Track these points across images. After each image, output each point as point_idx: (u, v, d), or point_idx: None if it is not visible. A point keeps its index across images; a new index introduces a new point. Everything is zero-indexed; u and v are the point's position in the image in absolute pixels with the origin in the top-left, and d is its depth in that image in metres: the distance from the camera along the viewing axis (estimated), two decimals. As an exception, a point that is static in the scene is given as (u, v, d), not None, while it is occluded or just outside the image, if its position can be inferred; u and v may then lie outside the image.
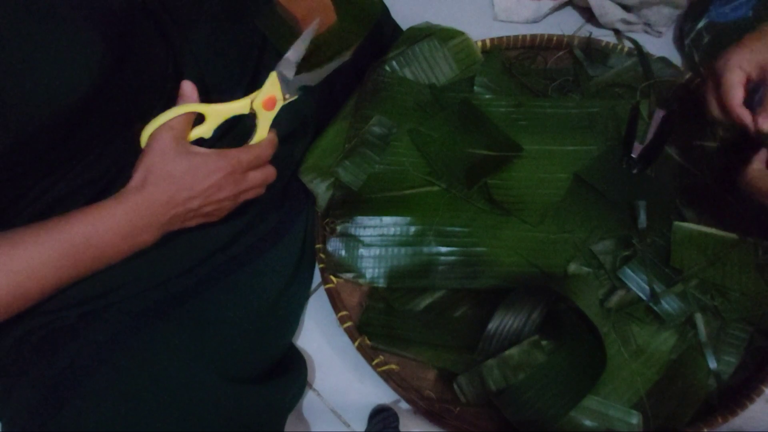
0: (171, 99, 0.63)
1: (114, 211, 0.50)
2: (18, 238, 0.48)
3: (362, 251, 0.73)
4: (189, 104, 0.54)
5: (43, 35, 0.48)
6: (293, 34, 0.61)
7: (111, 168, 0.60)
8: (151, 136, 0.53)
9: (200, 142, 0.56)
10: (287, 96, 0.56)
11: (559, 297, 0.66)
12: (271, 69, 0.56)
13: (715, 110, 0.65)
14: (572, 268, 0.70)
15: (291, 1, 0.59)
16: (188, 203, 0.53)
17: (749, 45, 0.62)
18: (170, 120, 0.52)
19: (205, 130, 0.55)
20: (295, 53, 0.55)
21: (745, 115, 0.61)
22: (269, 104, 0.55)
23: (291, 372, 0.67)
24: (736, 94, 0.62)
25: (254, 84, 0.73)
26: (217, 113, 0.55)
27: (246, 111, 0.55)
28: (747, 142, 0.63)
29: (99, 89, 0.52)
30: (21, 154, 0.50)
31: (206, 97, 0.70)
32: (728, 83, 0.62)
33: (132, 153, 0.60)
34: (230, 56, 0.72)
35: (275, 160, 0.60)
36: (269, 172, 0.59)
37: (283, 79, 0.55)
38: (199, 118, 0.55)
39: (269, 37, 0.69)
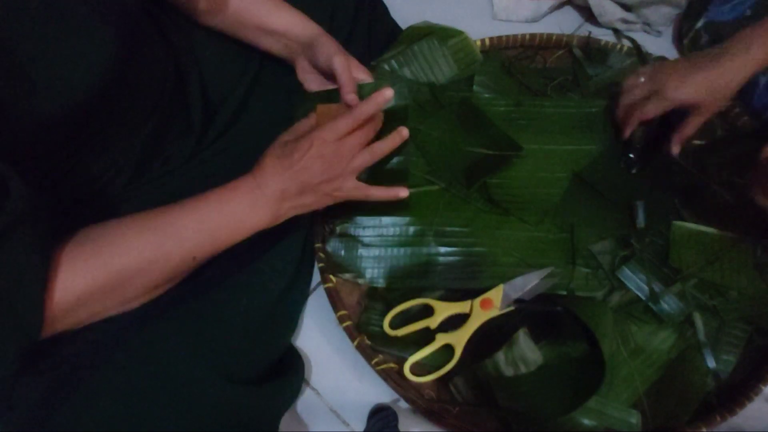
0: (172, 98, 0.63)
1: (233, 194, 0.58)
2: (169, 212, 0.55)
3: (362, 251, 0.73)
4: (427, 299, 0.67)
5: (60, 32, 0.48)
6: None
7: (110, 167, 0.60)
8: None
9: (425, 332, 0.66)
10: (502, 308, 0.66)
11: (558, 297, 0.66)
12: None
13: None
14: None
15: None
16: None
17: None
18: None
19: (431, 322, 0.66)
20: (524, 285, 0.66)
21: None
22: (486, 305, 0.65)
23: (288, 374, 0.67)
24: None
25: (255, 84, 0.73)
26: (444, 308, 0.66)
27: (467, 310, 0.66)
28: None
29: (107, 87, 0.52)
30: (25, 151, 0.50)
31: (206, 99, 0.70)
32: None
33: (132, 152, 0.60)
34: (230, 56, 0.72)
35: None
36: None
37: (506, 294, 0.66)
38: (427, 310, 0.67)
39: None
